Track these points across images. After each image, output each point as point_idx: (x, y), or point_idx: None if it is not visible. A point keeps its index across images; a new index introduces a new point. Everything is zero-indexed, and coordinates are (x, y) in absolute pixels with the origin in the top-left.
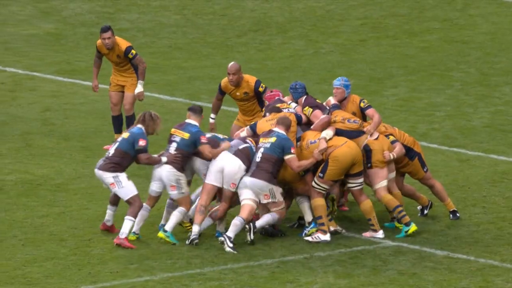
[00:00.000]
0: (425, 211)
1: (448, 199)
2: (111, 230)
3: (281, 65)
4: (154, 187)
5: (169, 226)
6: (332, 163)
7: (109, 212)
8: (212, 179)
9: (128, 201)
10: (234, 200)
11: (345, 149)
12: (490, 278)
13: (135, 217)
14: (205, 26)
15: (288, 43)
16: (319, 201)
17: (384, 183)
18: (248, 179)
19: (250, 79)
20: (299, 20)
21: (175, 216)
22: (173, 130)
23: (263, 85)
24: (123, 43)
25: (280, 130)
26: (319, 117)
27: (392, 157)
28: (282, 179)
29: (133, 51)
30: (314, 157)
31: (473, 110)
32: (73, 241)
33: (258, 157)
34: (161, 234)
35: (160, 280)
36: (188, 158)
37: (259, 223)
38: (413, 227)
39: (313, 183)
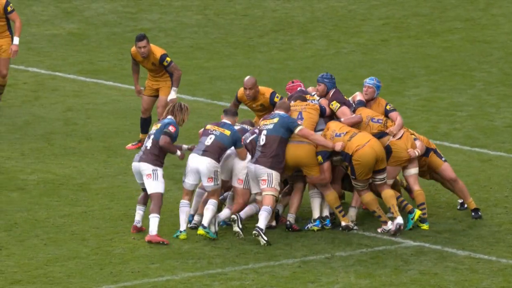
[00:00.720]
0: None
1: (470, 198)
2: (142, 230)
3: (303, 65)
4: (191, 180)
5: (206, 221)
6: (356, 165)
7: (139, 213)
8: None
9: (153, 195)
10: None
11: (367, 149)
12: None
13: (159, 213)
14: (227, 26)
15: (309, 43)
16: (368, 197)
17: (390, 181)
18: (252, 166)
19: (266, 91)
20: (320, 20)
21: (210, 210)
22: (209, 126)
23: (278, 95)
24: (158, 51)
25: (281, 112)
26: (346, 113)
27: (416, 154)
28: (297, 162)
29: (168, 59)
30: (334, 146)
31: (495, 110)
32: (95, 241)
33: (262, 139)
34: (201, 231)
35: (181, 279)
36: (223, 152)
37: (243, 215)
38: (418, 212)
39: (353, 184)
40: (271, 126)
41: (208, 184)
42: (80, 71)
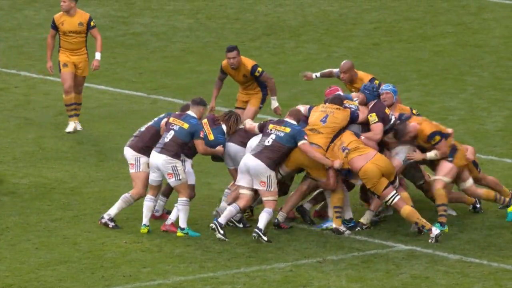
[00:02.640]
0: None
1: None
2: (163, 217)
3: (294, 69)
4: (153, 176)
5: (182, 223)
6: (364, 179)
7: (160, 203)
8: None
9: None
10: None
11: (370, 166)
12: (503, 282)
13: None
14: (219, 30)
15: (301, 47)
16: (406, 211)
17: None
18: (251, 159)
19: (248, 63)
20: (312, 24)
21: (182, 210)
22: (171, 119)
23: (260, 69)
24: (248, 62)
25: (291, 121)
26: (376, 132)
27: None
28: (300, 163)
29: (259, 69)
30: (332, 163)
31: (486, 114)
32: (87, 245)
33: (268, 141)
34: (179, 233)
35: (172, 283)
36: (183, 146)
37: (222, 220)
38: (446, 229)
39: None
40: (281, 134)
41: (170, 180)
42: None
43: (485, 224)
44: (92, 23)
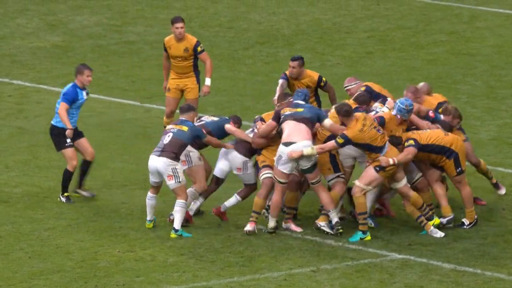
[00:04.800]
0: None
1: (471, 209)
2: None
3: None
4: (153, 178)
5: (176, 225)
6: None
7: (197, 203)
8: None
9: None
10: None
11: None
12: None
13: (243, 198)
14: (212, 39)
15: (294, 55)
16: (409, 208)
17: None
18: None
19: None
20: (305, 32)
21: (179, 212)
22: (169, 126)
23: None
24: (315, 74)
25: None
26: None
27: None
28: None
29: (324, 79)
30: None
31: (480, 123)
32: (80, 254)
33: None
34: (172, 234)
35: None
36: (183, 148)
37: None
38: (368, 237)
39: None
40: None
41: (169, 182)
42: (65, 84)
43: (479, 233)
44: (199, 48)
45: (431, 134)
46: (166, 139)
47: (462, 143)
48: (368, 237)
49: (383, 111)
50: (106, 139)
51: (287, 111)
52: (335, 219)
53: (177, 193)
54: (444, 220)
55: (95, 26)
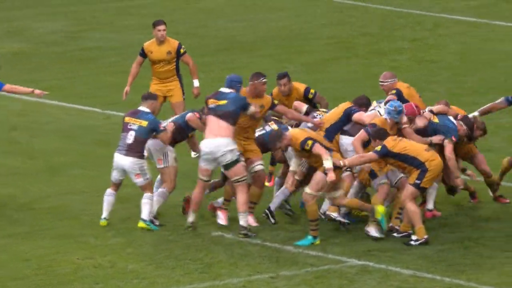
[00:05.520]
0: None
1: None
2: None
3: (247, 84)
4: (117, 175)
5: (144, 215)
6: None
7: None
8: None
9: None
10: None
11: None
12: None
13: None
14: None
15: (254, 63)
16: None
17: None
18: None
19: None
20: (265, 39)
21: (147, 204)
22: (127, 118)
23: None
24: (301, 87)
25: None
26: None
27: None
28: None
29: (312, 90)
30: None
31: None
32: (38, 261)
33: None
34: (141, 223)
35: None
36: (145, 144)
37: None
38: (318, 241)
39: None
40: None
41: (137, 180)
42: None
43: (438, 240)
44: (181, 50)
45: (409, 146)
46: (129, 138)
47: (440, 164)
48: (318, 242)
49: (378, 111)
50: (65, 146)
51: (211, 103)
52: (242, 222)
53: (145, 189)
54: (415, 243)
55: (54, 33)
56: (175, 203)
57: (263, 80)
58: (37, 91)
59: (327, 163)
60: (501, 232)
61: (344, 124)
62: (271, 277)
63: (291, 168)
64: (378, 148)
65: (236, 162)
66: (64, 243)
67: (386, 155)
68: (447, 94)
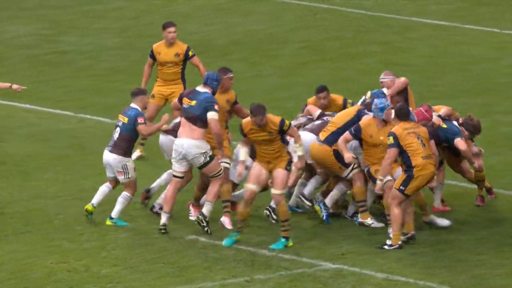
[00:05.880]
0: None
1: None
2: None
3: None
4: (108, 173)
5: (114, 213)
6: None
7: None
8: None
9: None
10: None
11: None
12: None
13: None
14: (146, 49)
15: (229, 66)
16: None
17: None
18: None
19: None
20: (240, 43)
21: (120, 202)
22: (119, 115)
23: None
24: (339, 99)
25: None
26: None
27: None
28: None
29: (350, 100)
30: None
31: None
32: (11, 265)
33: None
34: (108, 222)
35: None
36: (132, 141)
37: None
38: (290, 243)
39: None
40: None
41: (119, 177)
42: None
43: (411, 242)
44: (190, 53)
45: (414, 144)
46: (115, 134)
47: (427, 177)
48: (291, 243)
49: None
50: (39, 150)
51: (184, 102)
52: (204, 210)
53: (125, 187)
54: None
55: (28, 36)
56: (149, 207)
57: (231, 75)
58: (14, 86)
59: (299, 150)
60: (474, 235)
61: (352, 125)
62: (246, 281)
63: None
64: (391, 141)
65: (210, 162)
66: (37, 247)
67: (399, 144)
68: (417, 97)
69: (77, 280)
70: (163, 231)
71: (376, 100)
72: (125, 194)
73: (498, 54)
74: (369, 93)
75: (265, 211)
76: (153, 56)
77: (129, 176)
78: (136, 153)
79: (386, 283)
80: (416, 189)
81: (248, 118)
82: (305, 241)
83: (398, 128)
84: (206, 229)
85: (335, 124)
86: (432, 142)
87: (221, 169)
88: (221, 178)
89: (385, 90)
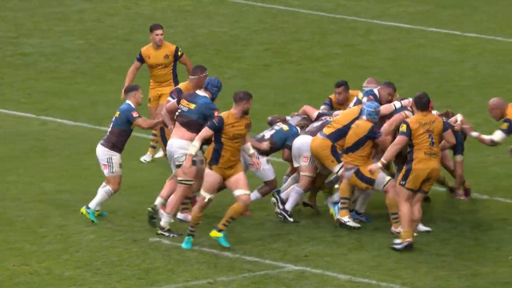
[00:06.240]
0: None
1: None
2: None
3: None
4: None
5: (92, 204)
6: None
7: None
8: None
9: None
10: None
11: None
12: None
13: (263, 195)
14: (109, 51)
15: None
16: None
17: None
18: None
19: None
20: (202, 45)
21: (99, 194)
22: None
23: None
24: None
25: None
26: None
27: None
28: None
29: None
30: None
31: None
32: None
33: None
34: (83, 209)
35: None
36: (122, 136)
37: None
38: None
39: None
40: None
41: (104, 170)
42: None
43: (373, 245)
44: (179, 53)
45: (421, 136)
46: (109, 128)
47: (424, 173)
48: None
49: (394, 105)
50: (0, 152)
51: (183, 105)
52: (162, 223)
53: (108, 181)
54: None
55: None
56: (114, 209)
57: (206, 74)
58: None
59: (252, 151)
60: (437, 237)
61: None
62: (209, 283)
63: (295, 165)
64: (404, 128)
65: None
66: (3, 249)
67: (410, 134)
68: None
69: (38, 282)
70: (150, 210)
71: (373, 104)
72: (107, 187)
73: (459, 56)
74: (360, 94)
75: (272, 198)
76: (140, 60)
77: (113, 170)
78: (159, 154)
79: (349, 285)
80: (414, 183)
81: (228, 111)
82: (268, 243)
83: (414, 120)
84: (172, 235)
85: (340, 122)
86: (450, 132)
87: (193, 180)
88: (185, 191)
89: (375, 90)
